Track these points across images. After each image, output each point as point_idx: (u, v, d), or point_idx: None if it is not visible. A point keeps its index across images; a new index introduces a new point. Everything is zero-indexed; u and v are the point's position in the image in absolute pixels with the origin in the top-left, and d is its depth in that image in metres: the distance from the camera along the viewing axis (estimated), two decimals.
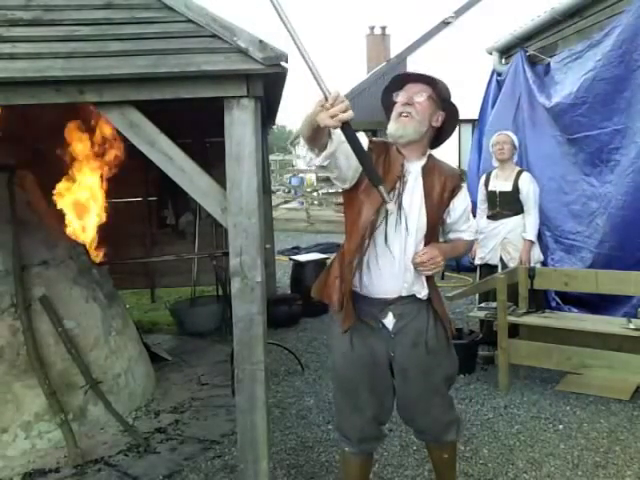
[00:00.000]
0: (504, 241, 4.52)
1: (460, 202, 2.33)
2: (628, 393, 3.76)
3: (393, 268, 2.20)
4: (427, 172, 2.25)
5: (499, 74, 6.55)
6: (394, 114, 2.21)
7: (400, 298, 2.24)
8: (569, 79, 5.18)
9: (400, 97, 2.22)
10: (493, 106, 6.44)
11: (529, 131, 5.61)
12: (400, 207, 2.18)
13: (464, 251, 2.57)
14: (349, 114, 1.74)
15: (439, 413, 2.37)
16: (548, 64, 5.63)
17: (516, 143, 4.63)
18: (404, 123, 2.18)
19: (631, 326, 3.72)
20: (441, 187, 2.25)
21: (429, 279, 2.30)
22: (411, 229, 2.20)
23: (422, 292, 2.27)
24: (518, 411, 3.66)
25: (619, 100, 4.59)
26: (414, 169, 2.24)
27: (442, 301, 2.38)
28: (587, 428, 3.41)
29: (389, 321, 2.25)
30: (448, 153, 7.05)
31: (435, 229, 2.30)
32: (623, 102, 4.52)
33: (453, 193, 2.29)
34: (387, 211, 2.15)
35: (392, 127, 2.22)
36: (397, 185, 2.18)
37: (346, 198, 2.28)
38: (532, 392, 3.93)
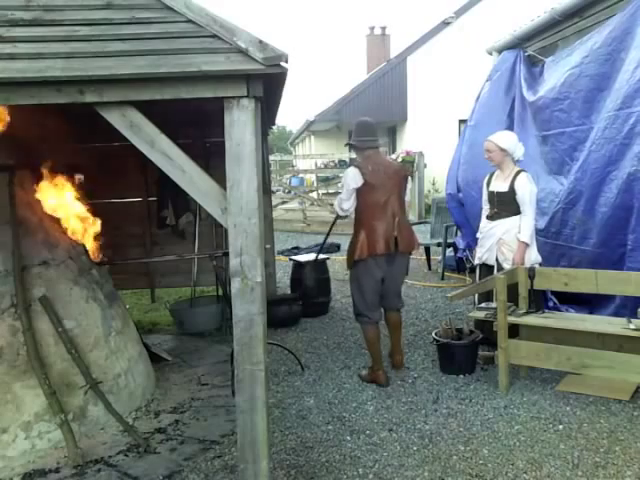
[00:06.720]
0: (499, 241, 4.51)
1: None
2: (628, 393, 3.76)
3: None
4: None
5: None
6: None
7: None
8: (556, 74, 5.19)
9: None
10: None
11: (518, 129, 5.63)
12: None
13: None
14: None
15: None
16: (544, 64, 5.64)
17: (504, 145, 4.43)
18: None
19: (631, 326, 3.72)
20: None
21: None
22: None
23: None
24: (518, 411, 3.66)
25: (599, 98, 4.56)
26: None
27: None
28: (587, 428, 3.41)
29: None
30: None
31: None
32: (602, 100, 4.50)
33: None
34: None
35: None
36: None
37: None
38: (532, 392, 3.92)
